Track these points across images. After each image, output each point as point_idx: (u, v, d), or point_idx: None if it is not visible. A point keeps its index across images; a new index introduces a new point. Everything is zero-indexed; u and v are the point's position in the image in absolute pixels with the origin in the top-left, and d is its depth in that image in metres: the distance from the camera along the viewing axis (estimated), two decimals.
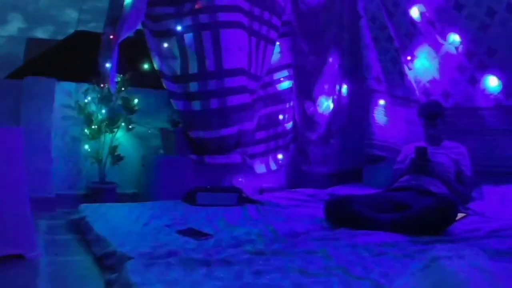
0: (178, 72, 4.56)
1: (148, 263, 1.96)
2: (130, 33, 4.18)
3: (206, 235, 2.62)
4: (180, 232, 2.68)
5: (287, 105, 5.25)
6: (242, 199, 3.98)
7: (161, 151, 4.64)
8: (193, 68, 4.53)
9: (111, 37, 4.09)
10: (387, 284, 1.76)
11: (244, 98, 4.63)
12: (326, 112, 5.04)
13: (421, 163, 3.66)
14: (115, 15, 4.14)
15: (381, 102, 4.84)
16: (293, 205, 3.97)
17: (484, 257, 1.59)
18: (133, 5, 4.02)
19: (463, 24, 4.35)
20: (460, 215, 3.30)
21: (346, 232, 2.81)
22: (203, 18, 4.51)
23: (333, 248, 2.35)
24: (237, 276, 1.83)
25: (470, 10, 4.31)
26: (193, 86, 4.55)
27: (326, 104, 5.05)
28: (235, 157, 4.62)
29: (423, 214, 2.90)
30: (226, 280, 1.78)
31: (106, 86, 4.32)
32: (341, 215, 3.05)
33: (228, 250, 2.27)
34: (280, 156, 5.12)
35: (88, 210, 3.28)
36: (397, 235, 2.73)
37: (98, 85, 4.38)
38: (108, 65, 4.07)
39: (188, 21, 4.52)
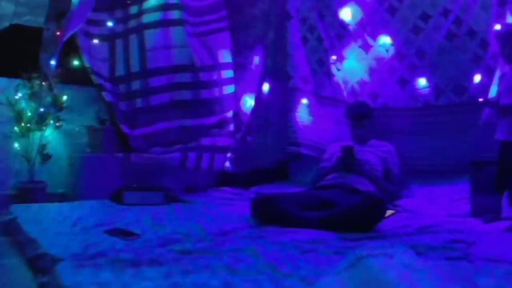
0: (108, 73, 4.60)
1: (79, 264, 1.93)
2: (76, 29, 4.16)
3: (133, 234, 2.61)
4: (108, 232, 2.66)
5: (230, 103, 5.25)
6: (169, 198, 3.98)
7: (88, 150, 4.58)
8: (119, 71, 4.63)
9: (58, 33, 4.04)
10: (316, 281, 1.73)
11: (172, 96, 4.71)
12: (249, 111, 5.09)
13: (348, 161, 3.76)
14: (58, 10, 4.09)
15: (305, 101, 4.95)
16: (219, 203, 4.00)
17: (413, 254, 1.61)
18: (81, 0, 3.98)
19: (395, 26, 4.50)
20: (388, 212, 3.40)
21: (273, 230, 2.83)
22: (132, 22, 4.67)
23: (260, 246, 2.37)
24: (166, 276, 1.82)
25: (404, 14, 4.47)
26: (121, 88, 4.62)
27: (249, 103, 5.11)
28: (160, 154, 4.62)
29: (351, 212, 2.95)
30: (155, 280, 1.77)
31: (50, 84, 4.26)
32: (268, 213, 3.08)
33: (156, 249, 2.26)
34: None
35: (18, 211, 3.21)
36: (325, 232, 2.77)
37: (30, 81, 4.30)
38: (52, 62, 4.02)
39: (119, 27, 4.64)
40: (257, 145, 5.05)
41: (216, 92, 5.06)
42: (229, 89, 5.14)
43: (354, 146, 3.85)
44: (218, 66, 5.10)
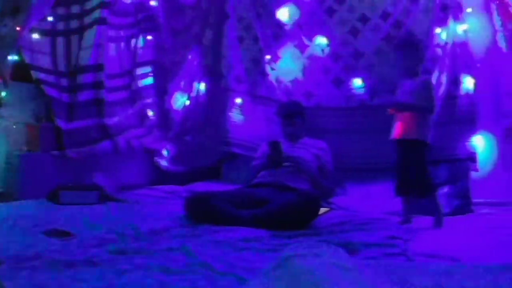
0: (50, 66, 4.53)
1: (17, 267, 1.94)
2: (35, 23, 4.14)
3: (69, 235, 2.62)
4: (44, 233, 2.65)
5: (148, 101, 5.20)
6: (104, 197, 3.97)
7: (25, 148, 4.53)
8: (60, 66, 4.55)
9: (18, 28, 4.00)
10: (251, 279, 1.75)
11: (99, 94, 4.66)
12: (181, 109, 5.11)
13: (275, 157, 3.79)
14: (13, 4, 4.04)
15: (239, 101, 4.99)
16: (153, 202, 4.02)
17: (343, 254, 1.63)
18: None
19: (333, 28, 4.62)
20: (323, 209, 3.48)
21: (207, 228, 2.87)
22: (73, 23, 4.62)
23: (195, 244, 2.38)
24: (101, 277, 1.84)
25: (342, 15, 4.60)
26: (63, 81, 4.55)
27: (181, 101, 5.12)
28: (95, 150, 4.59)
29: (284, 209, 3.03)
30: (91, 282, 1.79)
31: (5, 80, 4.20)
32: (202, 211, 3.12)
33: (91, 250, 2.28)
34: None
35: None
36: (259, 230, 2.82)
37: None
38: (10, 57, 3.99)
39: (60, 25, 4.56)
40: (196, 144, 5.07)
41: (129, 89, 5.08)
42: (145, 82, 5.17)
43: (282, 142, 3.90)
44: (136, 65, 5.11)
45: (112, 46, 4.82)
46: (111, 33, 4.77)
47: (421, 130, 3.34)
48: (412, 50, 3.47)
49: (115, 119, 4.72)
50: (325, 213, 3.55)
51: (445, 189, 3.93)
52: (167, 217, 3.24)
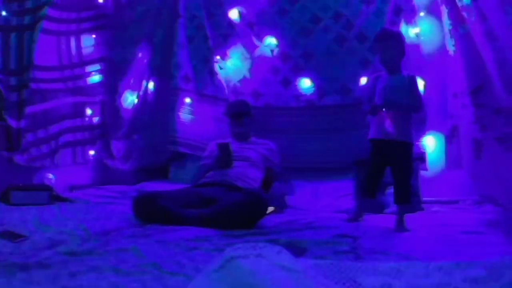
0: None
1: None
2: None
3: (21, 236, 2.62)
4: None
5: (96, 99, 5.23)
6: (54, 197, 3.95)
7: None
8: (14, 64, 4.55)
9: None
10: (194, 280, 1.73)
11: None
12: (130, 107, 5.14)
13: (225, 158, 3.84)
14: None
15: (188, 100, 5.05)
16: (103, 202, 4.02)
17: (288, 254, 1.57)
18: None
19: (284, 28, 4.72)
20: (270, 208, 3.54)
21: (156, 228, 2.89)
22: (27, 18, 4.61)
23: (144, 245, 2.42)
24: (54, 280, 1.84)
25: (293, 16, 4.70)
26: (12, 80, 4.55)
27: (130, 99, 5.15)
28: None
29: (232, 209, 3.08)
30: (44, 284, 1.79)
31: None
32: (150, 211, 3.13)
33: (43, 252, 2.28)
34: (92, 152, 5.13)
35: None
36: (208, 229, 2.87)
37: None
38: None
39: (13, 21, 4.56)
40: (145, 143, 5.12)
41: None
42: (93, 79, 5.19)
43: (231, 143, 3.95)
44: (84, 62, 5.13)
45: (53, 39, 4.82)
46: (52, 26, 4.77)
47: (409, 131, 3.27)
48: (392, 42, 3.32)
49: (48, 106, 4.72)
50: (272, 212, 3.62)
51: None
52: (117, 217, 3.27)
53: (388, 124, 3.23)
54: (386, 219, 3.41)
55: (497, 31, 3.46)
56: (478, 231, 2.93)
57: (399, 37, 3.39)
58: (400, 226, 3.13)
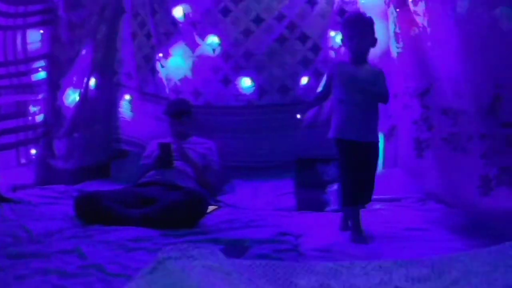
0: None
1: None
2: None
3: None
4: None
5: (39, 97, 5.01)
6: None
7: None
8: None
9: None
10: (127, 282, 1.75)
11: None
12: (72, 105, 5.02)
13: (166, 159, 3.86)
14: None
15: (128, 97, 5.07)
16: (45, 202, 3.94)
17: (220, 256, 1.63)
18: None
19: (226, 27, 4.75)
20: (211, 207, 3.62)
21: (98, 228, 2.90)
22: None
23: (87, 246, 2.46)
24: (2, 284, 1.86)
25: (237, 16, 4.74)
26: None
27: (72, 97, 5.04)
28: None
29: (172, 208, 3.11)
30: None
31: None
32: (91, 211, 3.13)
33: None
34: (33, 151, 5.03)
35: None
36: (149, 229, 2.89)
37: None
38: None
39: None
40: (86, 141, 5.06)
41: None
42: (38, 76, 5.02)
43: (172, 144, 3.96)
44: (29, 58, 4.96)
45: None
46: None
47: (378, 129, 3.10)
48: (366, 28, 3.02)
49: None
50: (213, 211, 3.67)
51: (335, 187, 4.06)
52: (60, 217, 3.25)
53: (351, 122, 2.95)
54: (327, 217, 3.50)
55: (445, 34, 3.54)
56: (422, 228, 3.00)
57: (372, 24, 3.07)
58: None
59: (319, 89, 3.32)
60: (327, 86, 3.13)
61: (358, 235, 2.86)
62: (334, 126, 3.01)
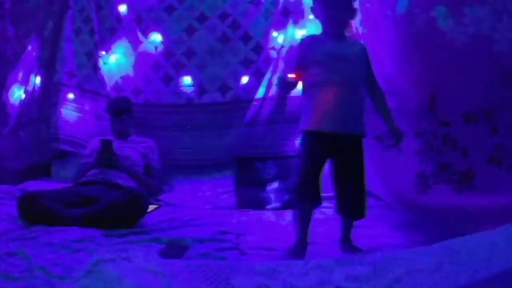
0: None
1: None
2: None
3: None
4: None
5: None
6: None
7: None
8: None
9: None
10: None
11: None
12: (17, 103, 4.95)
13: (107, 156, 3.82)
14: None
15: (71, 96, 5.00)
16: None
17: (156, 258, 1.63)
18: None
19: (170, 25, 4.76)
20: (151, 207, 3.64)
21: (42, 229, 2.88)
22: None
23: (31, 248, 2.44)
24: None
25: (181, 14, 4.75)
26: None
27: (18, 94, 4.96)
28: None
29: (113, 208, 3.11)
30: None
31: None
32: (33, 212, 3.09)
33: None
34: None
35: None
36: (91, 230, 2.88)
37: None
38: None
39: None
40: (31, 140, 4.99)
41: None
42: None
43: (114, 141, 3.93)
44: None
45: None
46: None
47: (364, 120, 2.70)
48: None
49: None
50: (153, 210, 3.70)
51: (276, 185, 4.22)
52: (4, 219, 3.20)
53: (330, 109, 2.55)
54: (267, 215, 3.58)
55: (383, 35, 3.56)
56: (363, 225, 2.95)
57: None
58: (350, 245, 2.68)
59: (285, 74, 2.72)
60: (298, 67, 2.64)
61: (296, 247, 2.57)
62: (307, 117, 2.64)
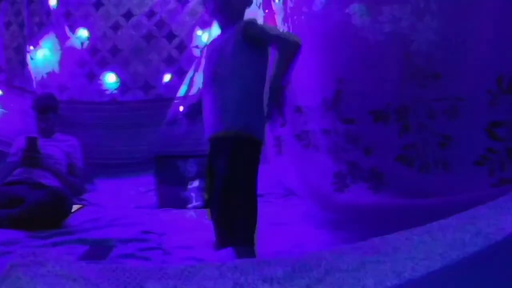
0: None
1: None
2: None
3: None
4: None
5: None
6: None
7: None
8: None
9: None
10: None
11: None
12: None
13: (32, 155, 3.73)
14: None
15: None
16: None
17: (68, 260, 1.49)
18: None
19: (97, 21, 4.78)
20: (75, 206, 3.62)
21: None
22: None
23: None
24: None
25: (108, 10, 4.78)
26: None
27: None
28: None
29: (37, 208, 3.09)
30: None
31: None
32: None
33: None
34: None
35: None
36: (16, 231, 2.84)
37: None
38: None
39: None
40: None
41: None
42: None
43: (39, 138, 3.84)
44: None
45: None
46: None
47: (249, 116, 2.36)
48: None
49: None
50: (77, 210, 3.68)
51: (197, 183, 4.19)
52: None
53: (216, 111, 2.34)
54: (189, 214, 3.64)
55: (301, 32, 3.47)
56: (286, 223, 3.02)
57: None
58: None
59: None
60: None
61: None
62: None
